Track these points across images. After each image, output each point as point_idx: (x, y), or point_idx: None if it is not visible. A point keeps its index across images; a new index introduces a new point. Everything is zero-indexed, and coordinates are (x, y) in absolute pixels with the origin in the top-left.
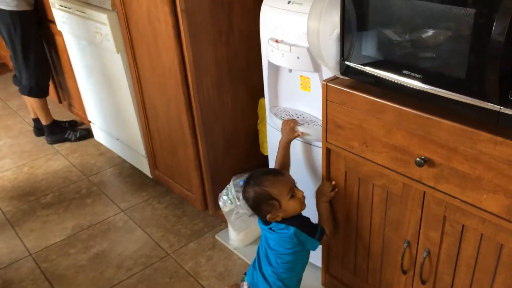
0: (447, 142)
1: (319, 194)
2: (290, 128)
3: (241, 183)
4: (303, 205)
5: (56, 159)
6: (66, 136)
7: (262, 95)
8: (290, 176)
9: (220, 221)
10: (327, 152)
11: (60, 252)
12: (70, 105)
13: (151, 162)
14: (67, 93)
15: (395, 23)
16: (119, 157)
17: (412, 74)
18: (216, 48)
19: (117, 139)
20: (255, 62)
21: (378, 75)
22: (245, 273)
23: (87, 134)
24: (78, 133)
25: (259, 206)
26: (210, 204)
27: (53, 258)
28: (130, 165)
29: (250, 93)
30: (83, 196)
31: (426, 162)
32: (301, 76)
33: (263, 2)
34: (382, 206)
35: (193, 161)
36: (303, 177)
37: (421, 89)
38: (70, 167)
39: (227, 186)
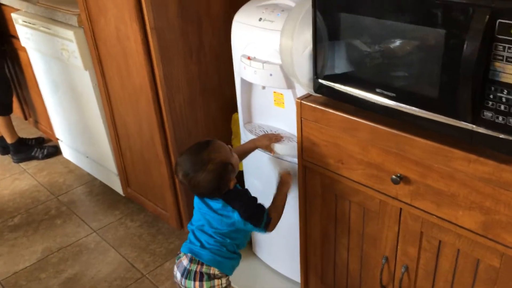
0: (421, 159)
1: (284, 183)
2: (269, 140)
3: None
4: None
5: (23, 179)
6: (32, 154)
7: (235, 110)
8: (213, 138)
9: None
10: (303, 169)
11: (30, 277)
12: (36, 122)
13: (123, 180)
14: (33, 109)
15: (367, 42)
16: (89, 174)
17: (385, 92)
18: (187, 65)
19: (87, 157)
20: (226, 78)
21: (351, 93)
22: (178, 252)
23: (55, 151)
24: (45, 150)
25: (221, 181)
26: (185, 222)
27: (23, 284)
28: (101, 182)
29: (223, 108)
30: (53, 217)
31: (401, 179)
32: (274, 92)
33: (234, 18)
34: (359, 222)
35: (167, 180)
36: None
37: (395, 107)
38: (38, 186)
39: None
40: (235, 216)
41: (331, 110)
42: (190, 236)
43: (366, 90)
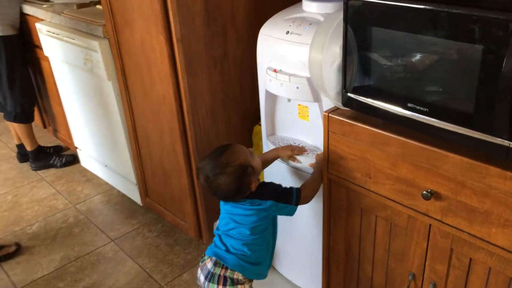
0: (454, 175)
1: (320, 161)
2: (292, 151)
3: None
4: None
5: (41, 187)
6: (51, 162)
7: (256, 122)
8: (232, 142)
9: None
10: (328, 182)
11: (48, 286)
12: (55, 130)
13: (142, 189)
14: (52, 118)
15: (400, 56)
16: (107, 183)
17: (418, 107)
18: (210, 75)
19: (105, 166)
20: (248, 88)
21: (382, 107)
22: (203, 255)
23: (73, 159)
24: (63, 159)
25: (242, 184)
26: (204, 233)
27: None
28: (119, 191)
29: (244, 120)
30: (71, 225)
31: (432, 195)
32: (299, 105)
33: (260, 31)
34: (385, 237)
35: (187, 190)
36: None
37: (427, 122)
38: (56, 194)
39: None
40: (267, 203)
41: (360, 124)
42: (216, 239)
43: (396, 104)
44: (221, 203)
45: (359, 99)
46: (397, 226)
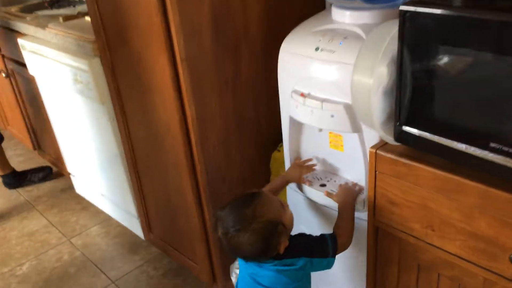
0: None
1: (349, 194)
2: (300, 169)
3: None
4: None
5: (32, 217)
6: (28, 178)
7: (274, 148)
8: (261, 190)
9: None
10: (374, 231)
11: None
12: (45, 153)
13: (145, 224)
14: (43, 140)
15: (477, 82)
16: (104, 212)
17: (505, 148)
18: (221, 98)
19: (102, 195)
20: (264, 112)
21: (450, 146)
22: None
23: (50, 172)
24: (40, 174)
25: (268, 245)
26: (218, 276)
27: None
28: (118, 222)
29: (260, 147)
30: (65, 264)
31: None
32: (330, 133)
33: (282, 47)
34: None
35: (198, 230)
36: None
37: None
38: (48, 226)
39: None
40: (300, 261)
41: (421, 165)
42: None
43: (473, 143)
44: (240, 261)
45: (417, 134)
46: None
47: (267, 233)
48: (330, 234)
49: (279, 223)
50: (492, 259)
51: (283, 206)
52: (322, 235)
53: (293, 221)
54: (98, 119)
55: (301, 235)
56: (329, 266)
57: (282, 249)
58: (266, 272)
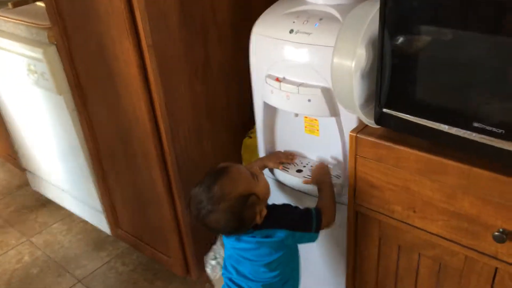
0: None
1: (322, 173)
2: (279, 159)
3: None
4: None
5: None
6: None
7: (245, 135)
8: (231, 162)
9: (204, 285)
10: (355, 215)
11: None
12: None
13: (111, 219)
14: None
15: (462, 60)
16: (66, 208)
17: (488, 128)
18: (192, 86)
19: (63, 190)
20: (235, 98)
21: (433, 127)
22: None
23: None
24: None
25: (242, 219)
26: (192, 268)
27: None
28: (80, 217)
29: (232, 134)
30: (27, 265)
31: (507, 236)
32: (306, 117)
33: (253, 30)
34: (432, 279)
35: (169, 222)
36: None
37: (502, 147)
38: (5, 227)
39: (213, 247)
40: (280, 234)
41: (403, 147)
42: (229, 285)
43: (456, 124)
44: (224, 238)
45: (399, 116)
46: (449, 268)
47: (239, 209)
48: (316, 208)
49: (251, 194)
50: (474, 237)
51: (255, 176)
52: (307, 209)
53: (269, 189)
54: (56, 111)
55: (286, 206)
56: (311, 240)
57: (259, 219)
58: (246, 245)
